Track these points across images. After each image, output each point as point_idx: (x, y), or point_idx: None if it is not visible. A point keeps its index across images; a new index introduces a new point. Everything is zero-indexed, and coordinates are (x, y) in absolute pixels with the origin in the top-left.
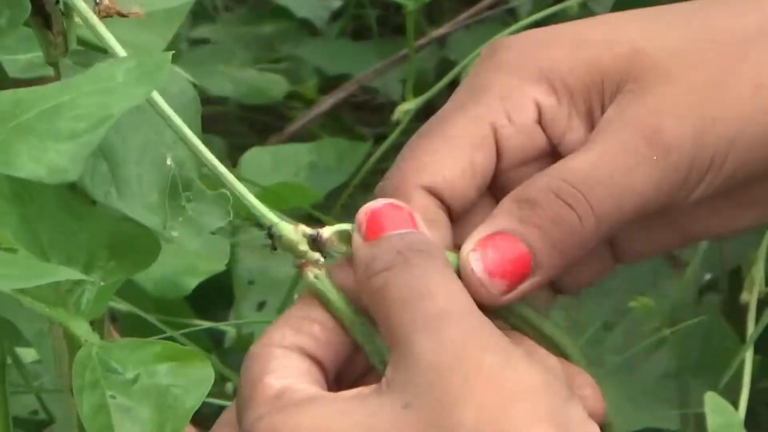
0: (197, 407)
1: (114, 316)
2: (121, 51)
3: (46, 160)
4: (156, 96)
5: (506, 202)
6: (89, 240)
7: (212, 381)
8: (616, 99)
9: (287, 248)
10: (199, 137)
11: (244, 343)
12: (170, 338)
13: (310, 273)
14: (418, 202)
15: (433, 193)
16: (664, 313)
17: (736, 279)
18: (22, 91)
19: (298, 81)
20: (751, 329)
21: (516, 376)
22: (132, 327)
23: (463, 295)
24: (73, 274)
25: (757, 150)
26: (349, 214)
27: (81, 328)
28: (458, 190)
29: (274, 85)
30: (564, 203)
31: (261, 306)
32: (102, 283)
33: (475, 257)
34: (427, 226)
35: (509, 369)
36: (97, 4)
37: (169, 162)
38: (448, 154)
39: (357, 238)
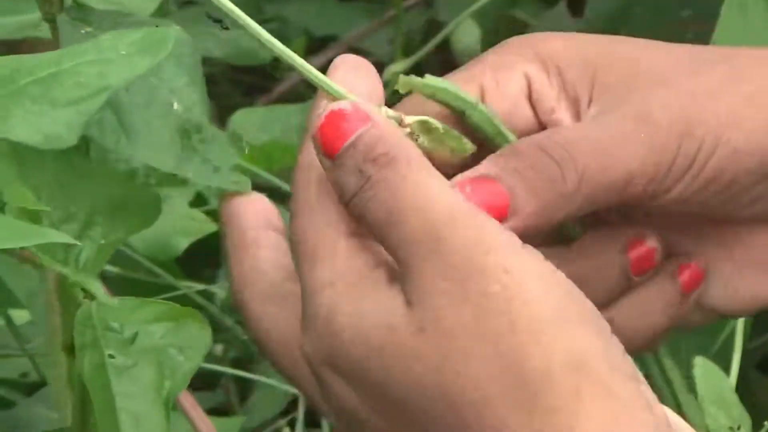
0: (196, 369)
1: (102, 277)
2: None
3: (42, 126)
4: None
5: (491, 155)
6: (90, 198)
7: (210, 342)
8: (607, 92)
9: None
10: (200, 83)
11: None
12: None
13: None
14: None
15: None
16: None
17: None
18: (22, 58)
19: (285, 41)
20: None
21: (532, 305)
22: (121, 289)
23: (445, 195)
24: (64, 237)
25: (744, 157)
26: None
27: (93, 285)
28: None
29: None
30: (548, 155)
31: None
32: (102, 241)
33: None
34: None
35: (518, 298)
36: None
37: (176, 107)
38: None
39: (322, 159)
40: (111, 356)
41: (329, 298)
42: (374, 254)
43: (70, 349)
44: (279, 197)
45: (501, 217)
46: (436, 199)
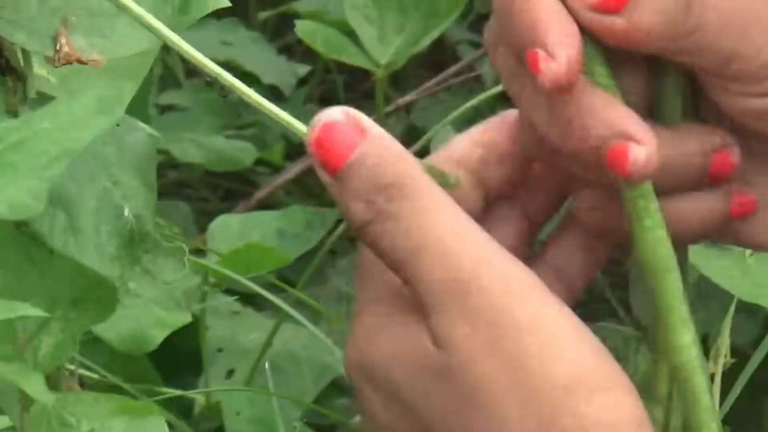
0: None
1: (82, 383)
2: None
3: (6, 197)
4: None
5: None
6: (49, 289)
7: None
8: None
9: None
10: (152, 187)
11: (213, 411)
12: None
13: None
14: None
15: None
16: (635, 382)
17: (702, 349)
18: None
19: (264, 147)
20: (717, 400)
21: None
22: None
23: (467, 234)
24: (32, 310)
25: None
26: (317, 282)
27: (34, 385)
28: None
29: (243, 152)
30: None
31: (230, 374)
32: (61, 335)
33: None
34: None
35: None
36: (57, 51)
37: (126, 213)
38: None
39: (321, 173)
40: None
41: (369, 317)
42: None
43: None
44: (255, 302)
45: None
46: (457, 240)
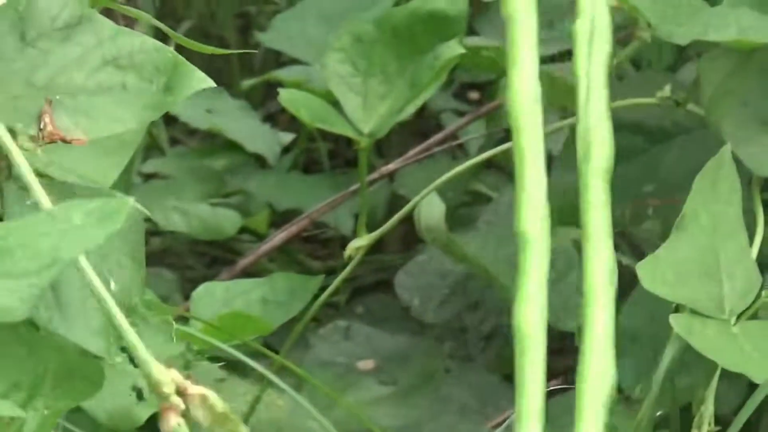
0: None
1: None
2: (47, 201)
3: None
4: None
5: None
6: (34, 367)
7: None
8: None
9: (152, 388)
10: (140, 261)
11: None
12: None
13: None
14: None
15: None
16: None
17: (686, 417)
18: None
19: (248, 214)
20: None
21: None
22: None
23: None
24: (9, 408)
25: None
26: (300, 349)
27: None
28: None
29: (227, 221)
30: None
31: None
32: (46, 412)
33: None
34: None
35: None
36: (41, 129)
37: (112, 286)
38: None
39: None
40: None
41: None
42: None
43: None
44: (239, 370)
45: None
46: None
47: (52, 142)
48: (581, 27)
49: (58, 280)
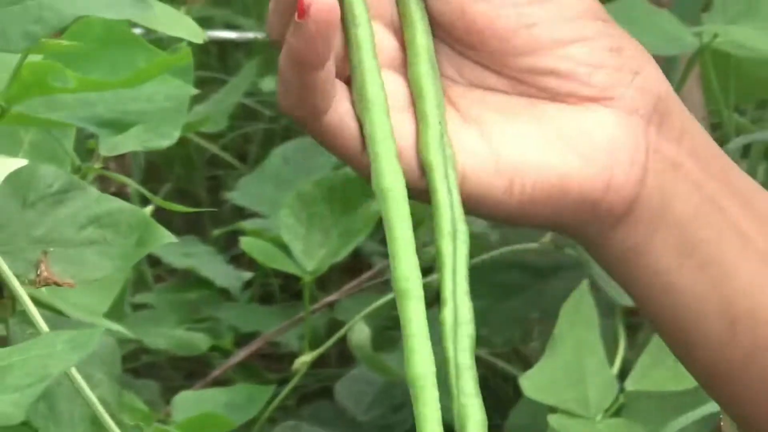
0: None
1: None
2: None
3: None
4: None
5: None
6: None
7: None
8: None
9: None
10: (117, 378)
11: None
12: None
13: None
14: None
15: None
16: None
17: None
18: None
19: (218, 336)
20: None
21: None
22: None
23: None
24: None
25: None
26: None
27: None
28: None
29: (200, 341)
30: None
31: None
32: None
33: None
34: None
35: None
36: (38, 275)
37: (94, 400)
38: None
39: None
40: None
41: None
42: None
43: None
44: None
45: None
46: None
47: (47, 285)
48: (447, 315)
49: (53, 396)
